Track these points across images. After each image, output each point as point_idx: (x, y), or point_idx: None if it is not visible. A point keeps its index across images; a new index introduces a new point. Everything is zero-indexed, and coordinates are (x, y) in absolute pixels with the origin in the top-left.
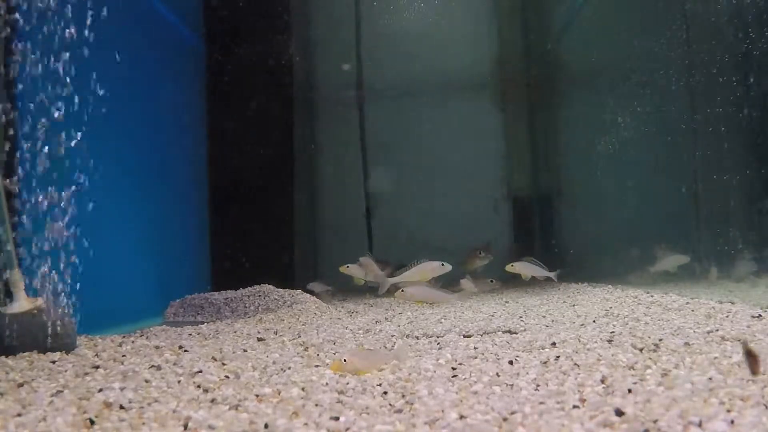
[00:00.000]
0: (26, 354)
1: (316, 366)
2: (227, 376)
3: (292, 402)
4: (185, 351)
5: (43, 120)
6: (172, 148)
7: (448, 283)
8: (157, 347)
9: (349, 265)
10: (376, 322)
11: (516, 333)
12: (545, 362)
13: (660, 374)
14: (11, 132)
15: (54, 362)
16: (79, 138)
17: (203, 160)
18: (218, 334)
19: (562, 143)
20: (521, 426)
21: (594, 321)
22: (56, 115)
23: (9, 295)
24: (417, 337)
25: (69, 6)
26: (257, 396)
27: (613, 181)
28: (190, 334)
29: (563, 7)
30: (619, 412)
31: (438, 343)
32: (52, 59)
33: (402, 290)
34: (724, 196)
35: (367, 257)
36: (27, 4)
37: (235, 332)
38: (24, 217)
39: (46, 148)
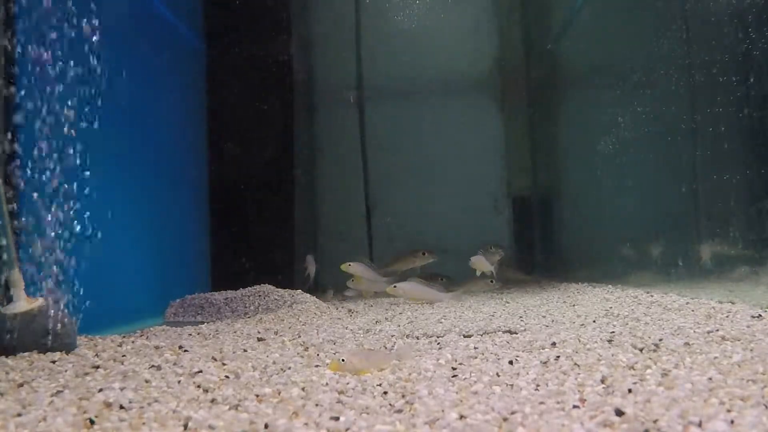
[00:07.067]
0: (26, 354)
1: (316, 366)
2: (227, 376)
3: (292, 402)
4: (185, 351)
5: (42, 119)
6: (172, 147)
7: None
8: (157, 347)
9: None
10: (376, 322)
11: (516, 333)
12: (545, 362)
13: (660, 374)
14: (10, 131)
15: (54, 362)
16: (78, 137)
17: (203, 159)
18: (218, 334)
19: (561, 143)
20: (521, 426)
21: (594, 321)
22: (56, 114)
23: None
24: (417, 337)
25: (69, 6)
26: (257, 396)
27: (613, 180)
28: (190, 334)
29: (563, 7)
30: (619, 412)
31: (438, 343)
32: (51, 59)
33: (395, 286)
34: (724, 196)
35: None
36: (26, 4)
37: (235, 332)
38: (24, 217)
39: (46, 147)
